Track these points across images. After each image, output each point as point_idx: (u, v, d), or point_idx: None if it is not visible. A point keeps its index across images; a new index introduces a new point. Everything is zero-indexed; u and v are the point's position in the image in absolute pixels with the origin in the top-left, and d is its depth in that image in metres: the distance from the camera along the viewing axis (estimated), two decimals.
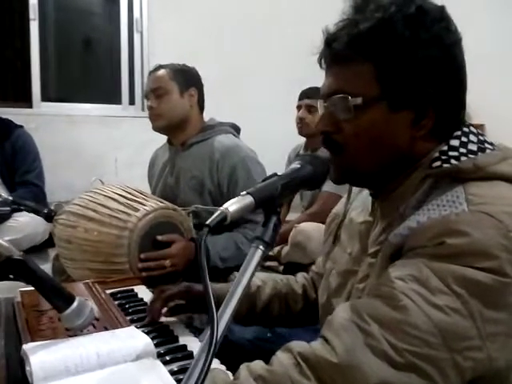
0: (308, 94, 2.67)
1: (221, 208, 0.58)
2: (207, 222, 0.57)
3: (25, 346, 0.81)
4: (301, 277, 1.09)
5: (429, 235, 0.64)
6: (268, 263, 2.44)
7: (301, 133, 2.68)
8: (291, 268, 2.60)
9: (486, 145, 0.73)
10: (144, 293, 1.23)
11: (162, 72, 1.77)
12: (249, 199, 0.60)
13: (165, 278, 1.49)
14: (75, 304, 0.88)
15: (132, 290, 1.24)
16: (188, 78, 1.79)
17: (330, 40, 0.75)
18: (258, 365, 0.65)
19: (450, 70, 0.73)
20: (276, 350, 1.01)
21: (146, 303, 1.16)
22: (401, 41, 0.70)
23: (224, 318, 0.56)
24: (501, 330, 0.63)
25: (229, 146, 1.72)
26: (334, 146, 0.77)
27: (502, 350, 0.63)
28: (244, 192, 0.61)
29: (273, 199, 0.62)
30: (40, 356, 0.77)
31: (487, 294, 0.61)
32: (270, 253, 2.61)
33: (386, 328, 0.61)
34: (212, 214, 1.93)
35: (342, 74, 0.74)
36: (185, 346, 0.93)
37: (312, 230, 2.28)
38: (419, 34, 0.70)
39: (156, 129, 1.81)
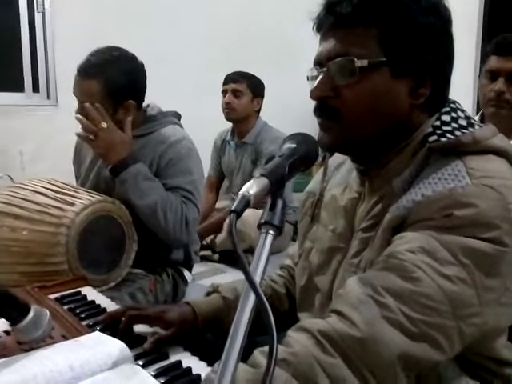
0: (233, 78, 2.63)
1: (241, 192, 0.53)
2: (232, 208, 0.52)
3: None
4: (276, 276, 1.04)
5: (436, 207, 0.66)
6: (202, 253, 2.37)
7: (228, 118, 2.64)
8: (227, 256, 2.57)
9: (472, 120, 0.76)
10: (93, 294, 1.12)
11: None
12: (265, 181, 0.56)
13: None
14: (32, 313, 0.78)
15: (79, 293, 1.12)
16: None
17: (333, 4, 0.74)
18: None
19: (446, 40, 0.76)
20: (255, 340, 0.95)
21: (98, 305, 1.06)
22: (404, 6, 0.72)
23: (243, 320, 0.51)
24: (494, 297, 0.66)
25: (173, 140, 1.62)
26: (331, 113, 0.75)
27: (493, 315, 0.67)
28: (257, 174, 0.57)
29: (283, 180, 0.58)
30: (2, 377, 0.66)
31: (487, 263, 0.65)
32: (203, 242, 2.55)
33: (401, 299, 0.62)
34: None
35: (346, 37, 0.73)
36: (158, 348, 0.86)
37: (248, 216, 2.24)
38: (420, 1, 0.72)
39: None
